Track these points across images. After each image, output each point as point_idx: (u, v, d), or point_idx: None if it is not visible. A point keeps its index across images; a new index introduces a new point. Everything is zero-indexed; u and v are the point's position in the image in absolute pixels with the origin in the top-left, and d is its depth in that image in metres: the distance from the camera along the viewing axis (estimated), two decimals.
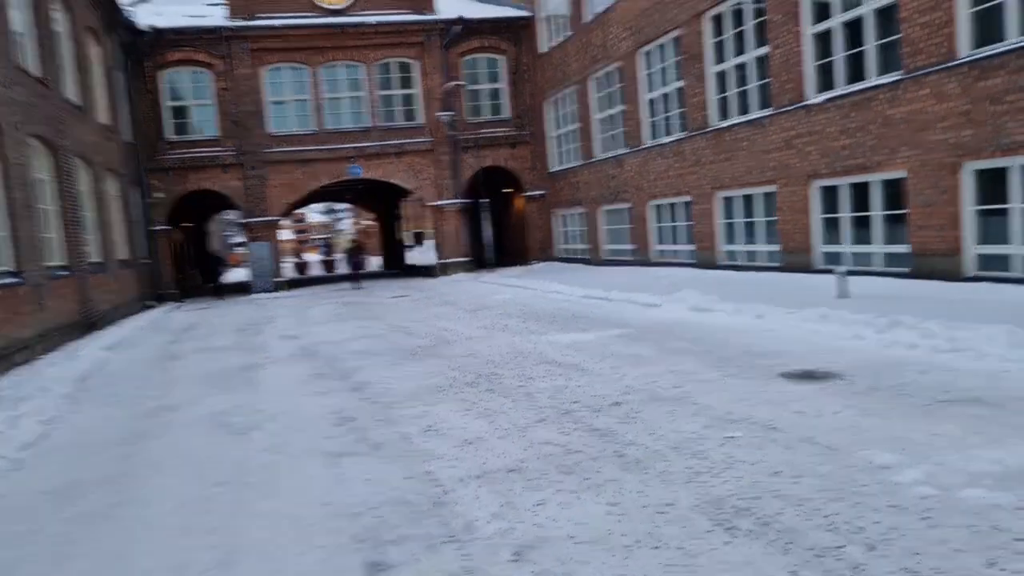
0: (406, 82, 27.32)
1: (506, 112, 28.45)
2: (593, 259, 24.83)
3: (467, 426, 5.96)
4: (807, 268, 14.85)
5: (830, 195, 14.41)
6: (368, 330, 13.10)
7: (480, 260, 29.62)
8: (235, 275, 44.09)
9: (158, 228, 25.09)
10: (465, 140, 27.43)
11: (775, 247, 16.06)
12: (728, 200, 17.64)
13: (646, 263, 21.35)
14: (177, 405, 7.96)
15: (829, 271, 14.20)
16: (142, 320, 19.10)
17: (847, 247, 14.05)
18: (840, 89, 13.72)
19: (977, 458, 4.18)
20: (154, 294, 24.22)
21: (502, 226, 31.71)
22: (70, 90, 17.77)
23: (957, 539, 3.23)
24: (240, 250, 59.90)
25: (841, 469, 4.23)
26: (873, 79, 13.01)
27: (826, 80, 14.20)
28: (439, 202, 27.38)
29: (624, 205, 22.50)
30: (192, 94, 25.54)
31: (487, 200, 26.71)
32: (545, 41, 26.82)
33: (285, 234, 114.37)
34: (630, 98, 21.21)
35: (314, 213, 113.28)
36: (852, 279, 11.78)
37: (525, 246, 29.31)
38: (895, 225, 12.98)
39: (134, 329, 16.95)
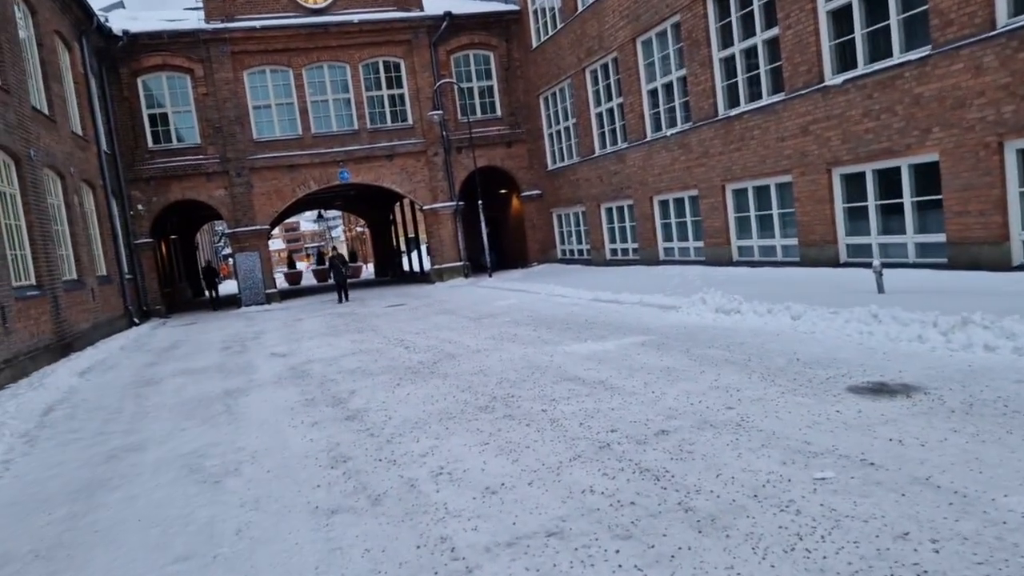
0: (394, 82, 26.30)
1: (499, 110, 27.46)
2: (596, 259, 23.84)
3: (487, 467, 4.94)
4: (830, 262, 13.88)
5: (854, 183, 13.43)
6: (363, 345, 12.07)
7: (478, 264, 28.63)
8: (227, 287, 43.00)
9: (141, 241, 24.00)
10: (458, 140, 26.44)
11: (793, 241, 15.09)
12: (740, 192, 16.65)
13: (652, 262, 20.37)
14: (145, 444, 6.92)
15: (855, 265, 13.32)
16: (124, 339, 18.03)
17: (875, 238, 13.07)
18: (862, 68, 12.74)
19: None
20: (139, 310, 23.12)
21: (499, 228, 30.71)
22: (37, 98, 16.71)
23: None
24: (230, 261, 58.97)
25: (990, 527, 3.22)
26: (898, 56, 12.04)
27: (845, 60, 13.24)
28: (433, 205, 26.36)
29: (627, 202, 21.52)
30: (171, 100, 24.46)
31: (482, 202, 25.64)
32: (537, 35, 25.83)
33: (277, 243, 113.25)
34: (630, 90, 20.22)
35: (306, 221, 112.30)
36: (886, 272, 10.81)
37: (524, 248, 28.32)
38: (929, 212, 12.01)
39: (114, 350, 15.88)
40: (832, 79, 13.33)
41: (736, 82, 16.16)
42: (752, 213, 16.33)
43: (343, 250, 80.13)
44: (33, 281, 14.64)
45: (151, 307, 24.31)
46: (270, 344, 13.77)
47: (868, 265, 12.95)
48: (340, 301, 23.59)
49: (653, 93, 19.55)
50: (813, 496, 3.79)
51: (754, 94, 15.71)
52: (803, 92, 13.95)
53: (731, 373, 6.78)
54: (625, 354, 8.38)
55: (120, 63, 23.48)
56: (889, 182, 12.70)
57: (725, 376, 6.68)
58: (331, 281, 27.66)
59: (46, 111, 17.08)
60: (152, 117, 24.30)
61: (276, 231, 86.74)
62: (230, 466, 5.76)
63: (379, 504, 4.50)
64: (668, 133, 18.75)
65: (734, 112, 16.14)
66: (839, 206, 13.78)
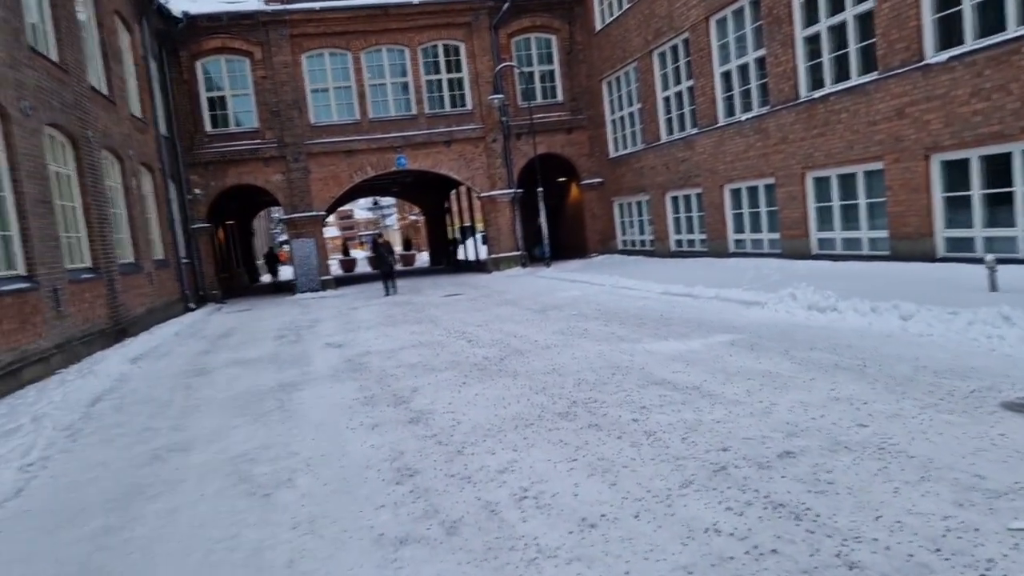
0: (453, 66, 25.62)
1: (560, 95, 26.60)
2: (659, 250, 22.87)
3: (579, 490, 4.18)
4: (925, 257, 12.77)
5: (955, 170, 12.29)
6: (423, 336, 11.41)
7: (533, 254, 27.87)
8: (283, 273, 43.01)
9: (199, 226, 23.81)
10: (517, 126, 25.68)
11: (882, 233, 13.98)
12: (822, 181, 15.55)
13: (721, 254, 19.35)
14: (191, 443, 6.34)
15: (955, 260, 12.21)
16: (179, 324, 17.74)
17: (979, 231, 11.93)
18: (970, 44, 11.59)
19: None
20: (196, 295, 22.93)
21: (557, 217, 29.90)
22: (96, 78, 16.43)
23: None
24: (287, 247, 59.07)
25: None
26: (1014, 29, 10.88)
27: (950, 35, 12.09)
28: (491, 192, 25.66)
29: (695, 190, 20.51)
30: (230, 84, 24.18)
31: (542, 190, 24.81)
32: (601, 16, 24.87)
33: (331, 231, 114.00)
34: (701, 72, 19.18)
35: (360, 209, 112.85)
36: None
37: (583, 238, 27.47)
38: None
39: (168, 336, 15.54)
40: (935, 56, 12.19)
41: (820, 62, 15.05)
42: (835, 203, 15.22)
43: (395, 238, 79.88)
44: (89, 264, 14.36)
45: (207, 292, 24.13)
46: (325, 333, 13.23)
47: (970, 260, 11.90)
48: (387, 293, 21.20)
49: (727, 76, 18.50)
50: (1018, 555, 2.94)
51: (841, 75, 14.59)
52: (899, 71, 12.82)
53: (848, 381, 5.90)
54: (715, 355, 7.54)
55: (180, 46, 23.26)
56: (998, 169, 11.55)
57: (843, 385, 5.80)
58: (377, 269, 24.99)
59: (105, 92, 16.81)
60: (211, 100, 24.07)
61: (331, 218, 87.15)
62: (282, 475, 5.11)
63: (455, 534, 3.78)
64: (743, 118, 17.70)
65: (818, 94, 15.04)
66: (937, 195, 12.65)
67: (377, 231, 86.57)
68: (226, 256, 32.50)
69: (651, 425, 5.26)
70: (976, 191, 11.91)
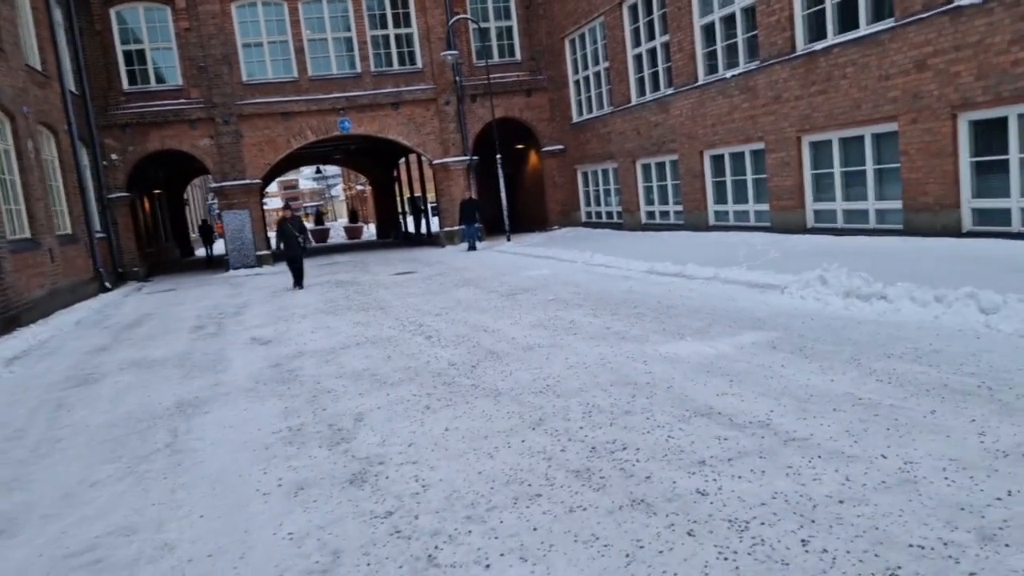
0: (402, 19, 23.25)
1: (519, 54, 24.46)
2: (628, 223, 21.05)
3: None
4: (948, 231, 11.13)
5: (989, 131, 10.63)
6: (370, 330, 9.34)
7: (492, 226, 25.84)
8: (218, 247, 40.17)
9: (116, 195, 21.20)
10: (472, 87, 23.47)
11: (894, 204, 12.32)
12: (820, 145, 13.83)
13: (700, 227, 17.59)
14: (23, 517, 4.23)
15: (985, 235, 10.60)
16: (86, 309, 15.35)
17: (1016, 201, 10.30)
18: None
19: None
20: (113, 273, 20.41)
21: (515, 187, 27.82)
22: None
23: None
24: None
25: None
26: None
27: None
28: (444, 159, 23.46)
29: (670, 157, 18.67)
30: (149, 35, 21.46)
31: (499, 157, 22.70)
32: None
33: (275, 201, 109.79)
34: (679, 25, 17.25)
35: (305, 179, 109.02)
36: None
37: (543, 209, 25.51)
38: None
39: (67, 325, 13.20)
40: None
41: (823, 9, 13.24)
42: (836, 170, 13.50)
43: (341, 209, 76.56)
44: None
45: (127, 269, 21.59)
46: (252, 323, 11.06)
47: (1005, 235, 10.30)
48: (295, 285, 15.84)
49: (708, 28, 16.59)
50: None
51: (848, 23, 12.81)
52: (922, 16, 11.07)
53: (989, 415, 4.07)
54: (759, 364, 5.67)
55: None
56: None
57: (989, 424, 3.96)
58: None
59: None
60: (127, 54, 21.36)
61: (274, 188, 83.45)
62: None
63: None
64: (727, 75, 15.85)
65: (819, 46, 13.24)
66: (964, 160, 10.98)
67: (321, 202, 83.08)
68: (153, 229, 29.75)
69: (732, 505, 3.36)
70: (1015, 155, 10.27)
